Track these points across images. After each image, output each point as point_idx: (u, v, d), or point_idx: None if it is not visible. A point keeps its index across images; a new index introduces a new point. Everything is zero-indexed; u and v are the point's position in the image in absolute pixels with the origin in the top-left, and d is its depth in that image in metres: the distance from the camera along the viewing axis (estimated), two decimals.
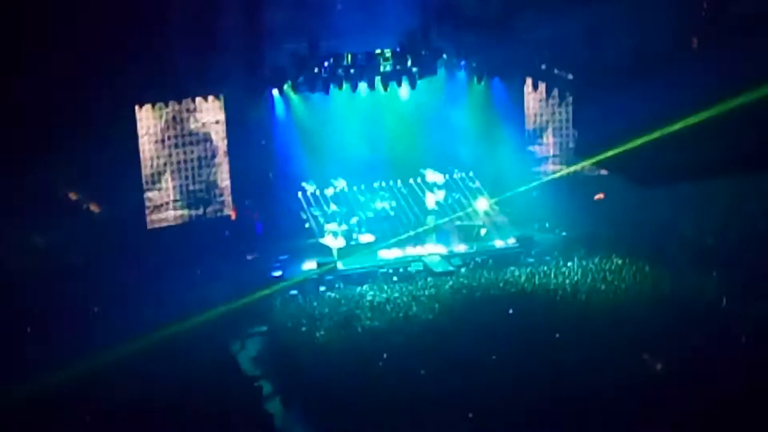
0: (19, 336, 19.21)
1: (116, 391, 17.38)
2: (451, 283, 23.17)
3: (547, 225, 26.42)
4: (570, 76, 22.79)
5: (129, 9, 20.78)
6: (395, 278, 23.76)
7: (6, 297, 19.82)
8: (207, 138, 24.28)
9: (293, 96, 25.13)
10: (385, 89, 25.84)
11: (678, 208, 24.14)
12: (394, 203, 26.65)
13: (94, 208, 22.81)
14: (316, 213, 25.92)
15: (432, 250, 25.17)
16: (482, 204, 26.64)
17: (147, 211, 23.82)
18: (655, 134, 10.48)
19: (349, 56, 24.79)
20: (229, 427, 16.66)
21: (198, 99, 23.84)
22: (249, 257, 24.20)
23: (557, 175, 27.38)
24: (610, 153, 11.44)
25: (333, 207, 25.77)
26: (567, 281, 22.61)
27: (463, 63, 26.16)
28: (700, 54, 10.20)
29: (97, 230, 22.59)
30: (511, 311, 20.96)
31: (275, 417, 17.52)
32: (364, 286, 23.11)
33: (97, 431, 16.41)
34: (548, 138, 27.33)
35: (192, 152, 24.21)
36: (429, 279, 23.55)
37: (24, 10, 20.00)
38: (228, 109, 24.22)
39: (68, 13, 20.17)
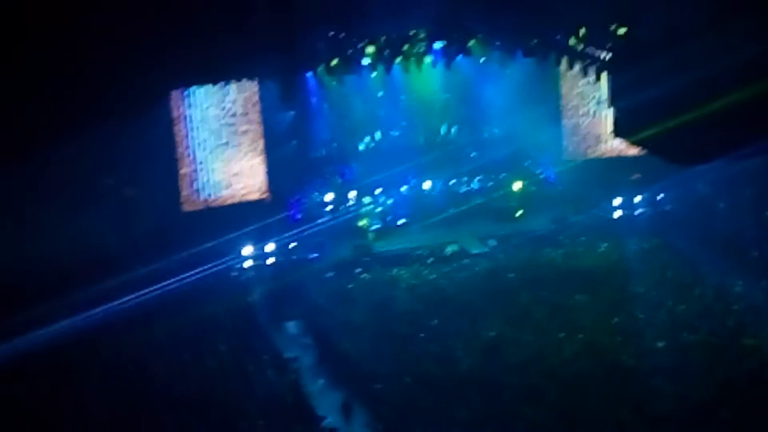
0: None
1: (148, 375, 17.55)
2: (486, 264, 23.13)
3: (582, 206, 26.20)
4: (606, 55, 22.49)
5: None
6: (431, 260, 23.74)
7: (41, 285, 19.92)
8: (242, 121, 24.31)
9: (327, 79, 25.05)
10: (419, 71, 25.70)
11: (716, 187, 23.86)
12: (429, 184, 26.60)
13: (130, 192, 22.92)
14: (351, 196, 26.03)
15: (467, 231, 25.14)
16: (518, 185, 26.49)
17: (182, 195, 23.92)
18: (696, 112, 10.30)
19: (383, 38, 24.69)
20: (266, 408, 16.76)
21: (233, 82, 23.86)
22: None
23: (594, 155, 27.16)
24: (648, 132, 11.24)
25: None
26: (603, 262, 22.47)
27: (497, 43, 25.96)
28: (741, 26, 9.95)
29: (133, 214, 22.71)
30: (546, 292, 20.89)
31: (312, 398, 17.60)
32: (400, 268, 23.14)
33: (128, 416, 16.55)
34: (584, 118, 27.08)
35: (226, 136, 24.26)
36: (465, 260, 23.52)
37: None
38: (263, 93, 24.23)
39: None
